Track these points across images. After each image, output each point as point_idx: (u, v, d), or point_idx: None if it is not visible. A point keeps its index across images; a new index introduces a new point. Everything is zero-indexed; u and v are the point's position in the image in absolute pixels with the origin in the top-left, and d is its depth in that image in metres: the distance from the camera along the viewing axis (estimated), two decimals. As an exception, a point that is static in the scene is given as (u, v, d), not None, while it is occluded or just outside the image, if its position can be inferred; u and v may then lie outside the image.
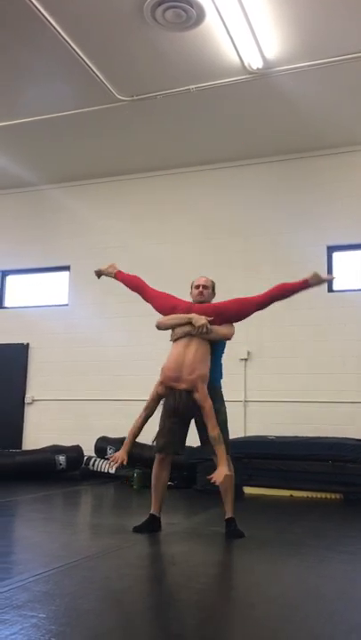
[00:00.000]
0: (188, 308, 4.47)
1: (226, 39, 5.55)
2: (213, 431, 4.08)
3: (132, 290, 4.90)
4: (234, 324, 4.53)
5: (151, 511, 4.37)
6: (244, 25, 5.30)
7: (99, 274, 5.12)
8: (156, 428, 4.29)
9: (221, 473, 3.97)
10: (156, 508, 4.37)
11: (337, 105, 6.78)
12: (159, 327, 4.51)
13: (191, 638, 2.36)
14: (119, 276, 4.98)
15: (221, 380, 4.52)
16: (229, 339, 4.48)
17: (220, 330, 4.38)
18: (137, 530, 4.27)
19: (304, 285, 4.60)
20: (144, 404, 4.31)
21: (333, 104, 6.77)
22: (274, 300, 4.64)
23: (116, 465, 4.22)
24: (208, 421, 4.11)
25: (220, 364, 4.53)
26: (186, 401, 4.12)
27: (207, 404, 4.11)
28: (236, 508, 4.34)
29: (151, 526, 4.30)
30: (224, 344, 4.55)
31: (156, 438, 4.29)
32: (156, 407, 4.29)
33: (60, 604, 2.68)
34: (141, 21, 5.31)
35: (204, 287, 4.61)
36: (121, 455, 4.20)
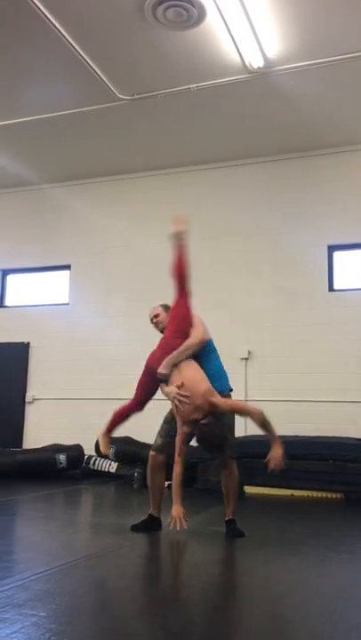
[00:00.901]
0: (149, 360, 4.43)
1: (227, 38, 5.54)
2: (254, 415, 4.03)
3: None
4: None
5: (150, 511, 4.38)
6: (244, 24, 5.29)
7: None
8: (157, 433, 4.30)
9: (278, 454, 3.95)
10: (155, 508, 4.37)
11: (338, 104, 6.78)
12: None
13: (191, 637, 2.36)
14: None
15: (229, 384, 4.38)
16: (203, 343, 4.27)
17: (190, 343, 4.19)
18: (134, 528, 4.28)
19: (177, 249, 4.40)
20: (176, 452, 4.02)
21: (334, 103, 6.76)
22: (177, 280, 4.39)
23: (181, 526, 3.90)
24: (242, 413, 4.18)
25: (216, 369, 4.32)
26: (209, 431, 3.94)
27: (225, 405, 4.02)
28: (237, 507, 4.35)
29: (150, 526, 4.30)
30: (207, 349, 4.33)
31: (156, 437, 4.35)
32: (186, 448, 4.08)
33: (61, 602, 2.68)
34: (142, 20, 5.31)
35: (155, 316, 4.59)
36: (178, 512, 3.92)
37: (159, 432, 4.42)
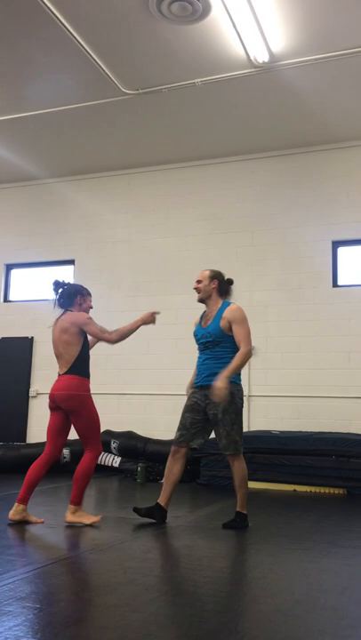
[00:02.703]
0: None
1: (232, 32, 5.52)
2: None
3: None
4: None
5: (158, 500, 4.42)
6: (250, 18, 5.27)
7: None
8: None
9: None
10: (163, 498, 4.40)
11: (343, 99, 6.75)
12: None
13: (194, 631, 2.37)
14: None
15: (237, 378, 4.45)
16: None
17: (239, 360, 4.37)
18: (136, 510, 4.34)
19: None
20: None
21: (340, 98, 6.73)
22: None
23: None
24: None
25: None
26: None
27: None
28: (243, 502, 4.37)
29: (151, 512, 4.35)
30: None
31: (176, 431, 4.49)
32: None
33: (64, 596, 2.70)
34: (147, 15, 5.29)
35: (198, 282, 4.61)
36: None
37: (178, 426, 4.51)
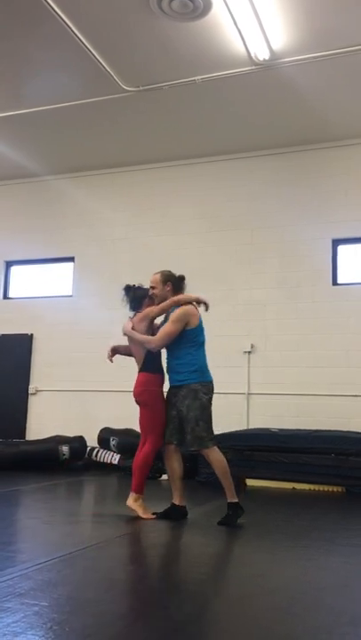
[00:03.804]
0: None
1: (232, 30, 5.51)
2: None
3: None
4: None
5: (172, 500, 4.52)
6: (250, 15, 5.26)
7: None
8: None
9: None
10: (175, 497, 4.52)
11: (344, 97, 6.74)
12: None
13: (190, 628, 2.37)
14: None
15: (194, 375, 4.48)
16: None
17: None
18: (156, 515, 4.42)
19: None
20: None
21: (340, 96, 6.72)
22: None
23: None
24: None
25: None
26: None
27: None
28: (239, 499, 4.36)
29: (167, 514, 4.44)
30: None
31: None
32: None
33: (63, 592, 2.70)
34: (148, 11, 5.28)
35: (152, 287, 4.67)
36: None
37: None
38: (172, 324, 4.43)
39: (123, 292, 4.83)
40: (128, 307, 4.79)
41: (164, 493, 4.87)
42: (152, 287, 4.65)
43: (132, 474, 4.50)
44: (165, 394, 4.61)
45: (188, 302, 4.52)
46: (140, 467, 4.48)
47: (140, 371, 4.65)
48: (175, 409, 4.47)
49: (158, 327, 4.65)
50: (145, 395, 4.56)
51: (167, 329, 4.44)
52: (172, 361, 4.54)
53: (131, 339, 4.70)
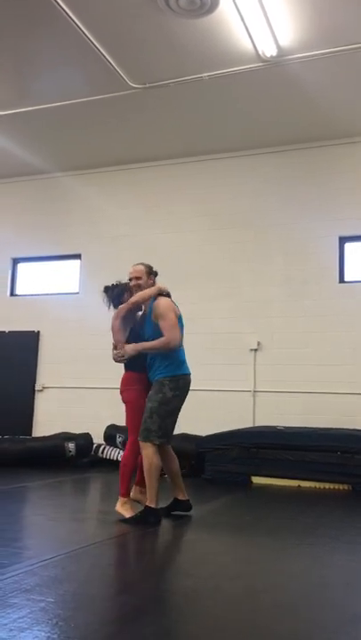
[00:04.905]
0: None
1: (239, 26, 5.49)
2: None
3: None
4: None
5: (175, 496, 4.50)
6: (258, 12, 5.24)
7: None
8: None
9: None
10: (177, 492, 4.47)
11: (351, 94, 6.70)
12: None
13: (194, 624, 2.38)
14: None
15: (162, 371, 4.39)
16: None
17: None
18: (164, 513, 4.35)
19: None
20: None
21: (348, 93, 6.69)
22: None
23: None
24: None
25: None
26: None
27: None
28: (245, 496, 4.37)
29: (170, 510, 4.40)
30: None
31: None
32: None
33: (68, 588, 2.72)
34: (155, 8, 5.27)
35: (136, 278, 4.55)
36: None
37: None
38: (166, 316, 4.28)
39: (103, 294, 4.73)
40: (111, 306, 4.65)
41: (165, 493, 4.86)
42: (137, 278, 4.52)
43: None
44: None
45: (159, 294, 4.41)
46: (121, 472, 4.37)
47: (125, 369, 4.60)
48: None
49: (141, 319, 4.54)
50: (125, 393, 4.54)
51: (168, 322, 4.26)
52: (149, 357, 4.42)
53: (115, 337, 4.58)
